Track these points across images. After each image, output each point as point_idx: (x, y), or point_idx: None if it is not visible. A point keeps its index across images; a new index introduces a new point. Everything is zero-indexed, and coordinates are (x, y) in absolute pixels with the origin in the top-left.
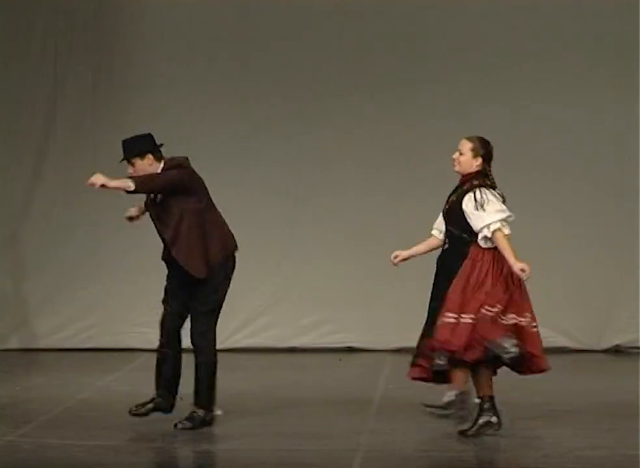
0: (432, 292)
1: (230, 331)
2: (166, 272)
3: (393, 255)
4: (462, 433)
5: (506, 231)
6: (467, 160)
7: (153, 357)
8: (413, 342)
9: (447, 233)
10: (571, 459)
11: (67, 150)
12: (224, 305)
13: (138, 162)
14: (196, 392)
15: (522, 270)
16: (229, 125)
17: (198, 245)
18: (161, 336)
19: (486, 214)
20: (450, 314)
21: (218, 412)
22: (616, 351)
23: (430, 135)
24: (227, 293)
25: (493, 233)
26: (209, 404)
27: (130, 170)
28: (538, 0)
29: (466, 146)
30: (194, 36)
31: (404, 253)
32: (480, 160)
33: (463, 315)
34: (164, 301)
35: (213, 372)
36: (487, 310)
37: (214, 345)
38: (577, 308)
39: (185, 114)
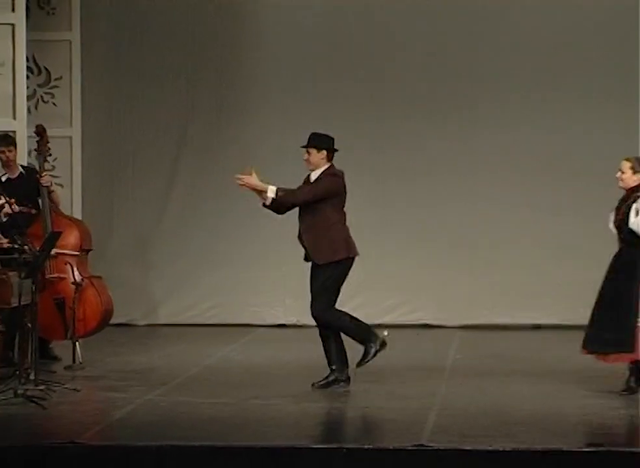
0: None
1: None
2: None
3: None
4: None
5: None
6: (628, 177)
7: (264, 332)
8: (478, 320)
9: (621, 238)
10: (607, 416)
11: (196, 165)
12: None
13: (314, 152)
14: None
15: None
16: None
17: (326, 240)
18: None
19: None
20: None
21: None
22: None
23: (487, 148)
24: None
25: None
26: (343, 366)
27: (305, 156)
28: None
29: (626, 165)
30: (300, 64)
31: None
32: (639, 175)
33: None
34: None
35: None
36: None
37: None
38: None
39: (293, 131)
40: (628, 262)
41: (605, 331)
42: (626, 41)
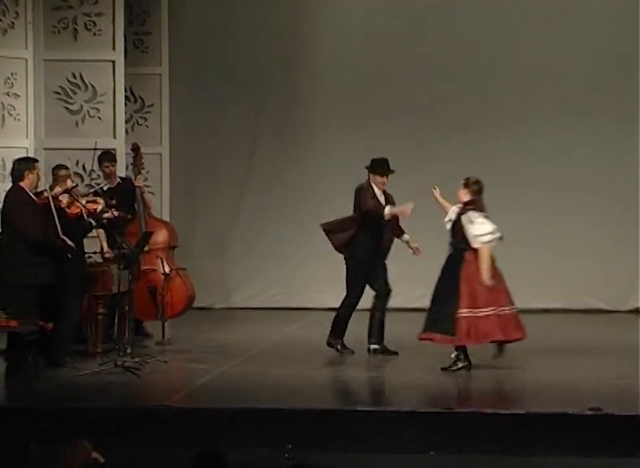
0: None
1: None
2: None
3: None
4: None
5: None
6: (459, 191)
7: (322, 314)
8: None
9: (450, 243)
10: (606, 385)
11: (264, 176)
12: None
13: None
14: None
15: None
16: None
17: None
18: None
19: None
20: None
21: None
22: (637, 311)
23: (510, 161)
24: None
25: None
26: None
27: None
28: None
29: (461, 183)
30: (356, 86)
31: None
32: (467, 190)
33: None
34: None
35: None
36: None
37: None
38: (609, 280)
39: (349, 147)
40: (453, 263)
41: (436, 318)
42: (628, 64)
